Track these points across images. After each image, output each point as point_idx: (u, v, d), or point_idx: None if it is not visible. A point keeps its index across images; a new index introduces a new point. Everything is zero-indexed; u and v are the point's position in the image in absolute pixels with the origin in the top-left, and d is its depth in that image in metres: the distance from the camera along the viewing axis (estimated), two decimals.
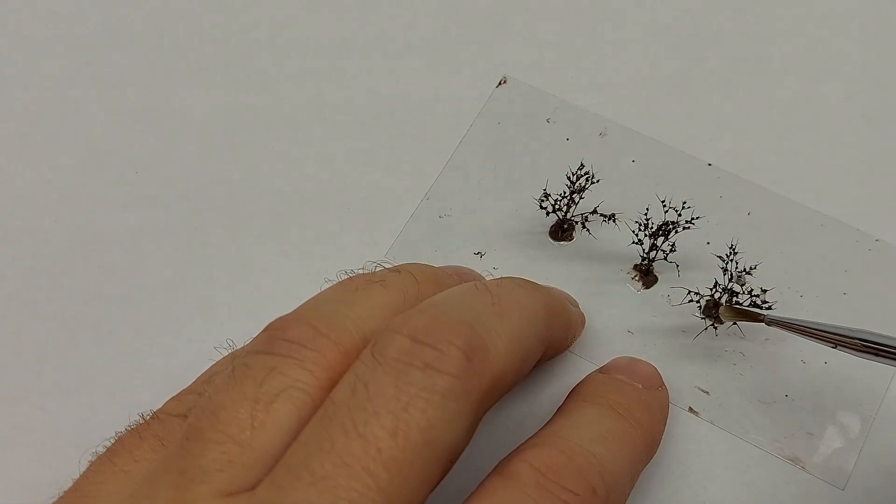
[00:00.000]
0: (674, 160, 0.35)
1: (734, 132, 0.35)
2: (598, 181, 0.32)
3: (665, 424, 0.28)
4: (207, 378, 0.27)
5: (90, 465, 0.24)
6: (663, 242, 0.31)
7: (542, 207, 0.32)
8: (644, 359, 0.30)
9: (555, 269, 0.33)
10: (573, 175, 0.32)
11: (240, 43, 0.39)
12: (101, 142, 0.37)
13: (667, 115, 0.36)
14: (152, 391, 0.32)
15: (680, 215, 0.32)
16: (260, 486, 0.20)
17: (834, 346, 0.26)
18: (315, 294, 0.25)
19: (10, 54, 0.39)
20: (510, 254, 0.33)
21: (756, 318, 0.29)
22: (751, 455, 0.30)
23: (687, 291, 0.31)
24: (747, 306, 0.29)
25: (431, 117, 0.37)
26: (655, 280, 0.32)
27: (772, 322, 0.28)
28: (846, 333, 0.26)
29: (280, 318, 0.23)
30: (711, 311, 0.31)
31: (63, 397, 0.32)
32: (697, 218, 0.32)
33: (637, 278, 0.32)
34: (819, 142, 0.35)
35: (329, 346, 0.22)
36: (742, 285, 0.30)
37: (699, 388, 0.31)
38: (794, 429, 0.30)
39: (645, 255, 0.32)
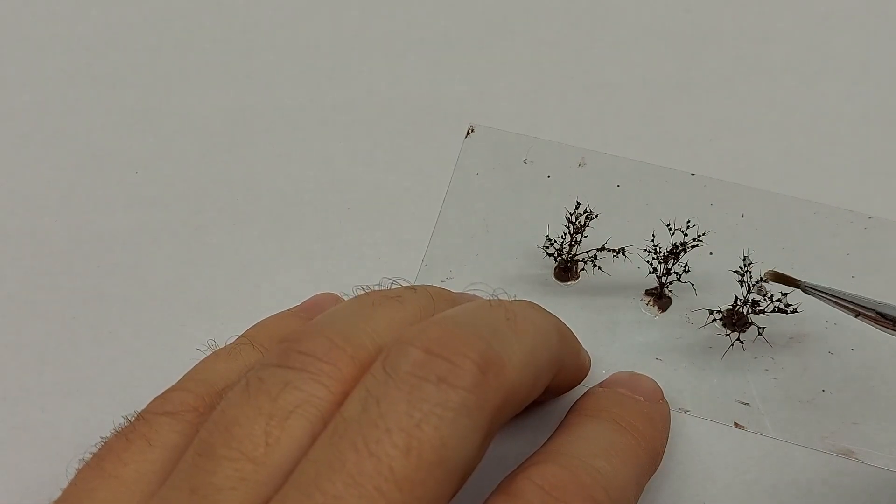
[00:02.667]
0: (657, 177, 0.35)
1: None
2: (596, 216, 0.32)
3: (668, 437, 0.28)
4: (194, 377, 0.26)
5: (78, 473, 0.24)
6: (674, 265, 0.31)
7: (548, 254, 0.32)
8: (680, 382, 0.30)
9: (566, 308, 0.32)
10: (571, 215, 0.32)
11: (240, 43, 0.39)
12: (101, 142, 0.37)
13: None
14: (152, 391, 0.32)
15: (686, 234, 0.31)
16: None
17: (856, 315, 0.27)
18: (330, 308, 0.25)
19: (10, 54, 0.39)
20: (523, 287, 0.33)
21: (794, 283, 0.29)
22: (751, 456, 0.30)
23: (709, 312, 0.31)
24: (770, 312, 0.30)
25: (431, 117, 0.37)
26: (670, 301, 0.32)
27: (807, 289, 0.28)
28: (867, 304, 0.27)
29: (295, 331, 0.23)
30: (735, 323, 0.31)
31: (63, 397, 0.32)
32: (704, 234, 0.31)
33: (651, 303, 0.32)
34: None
35: (345, 360, 0.22)
36: (764, 295, 0.30)
37: (739, 402, 0.30)
38: (839, 422, 0.30)
39: (661, 281, 0.32)
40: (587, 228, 0.32)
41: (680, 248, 0.31)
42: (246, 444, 0.20)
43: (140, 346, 0.33)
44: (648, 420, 0.27)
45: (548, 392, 0.26)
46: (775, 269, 0.30)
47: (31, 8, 0.40)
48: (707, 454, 0.30)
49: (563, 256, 0.32)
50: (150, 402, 0.25)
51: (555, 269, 0.33)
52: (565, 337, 0.26)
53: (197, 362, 0.27)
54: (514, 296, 0.31)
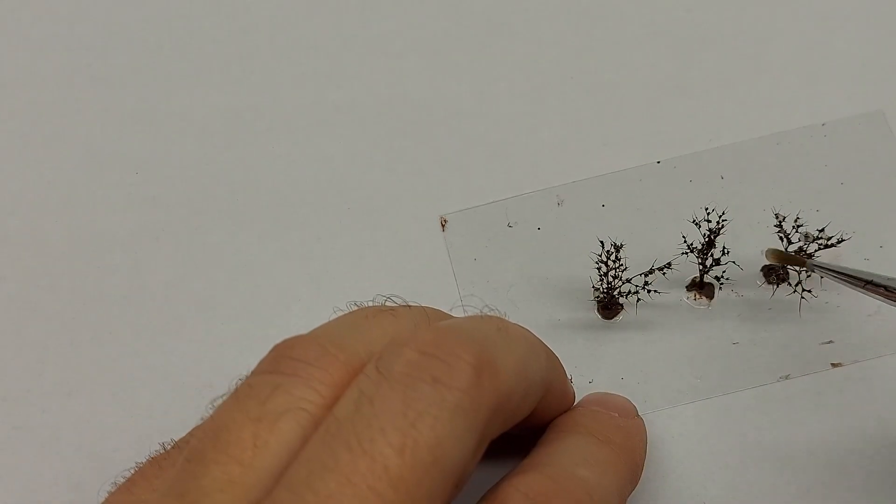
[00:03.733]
0: (632, 180, 0.35)
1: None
2: (623, 245, 0.31)
3: (645, 451, 0.28)
4: None
5: (108, 497, 0.24)
6: (711, 251, 0.31)
7: (599, 302, 0.32)
8: (766, 354, 0.31)
9: (617, 338, 0.32)
10: (600, 255, 0.31)
11: (240, 43, 0.39)
12: (101, 142, 0.37)
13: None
14: (152, 391, 0.32)
15: (709, 221, 0.31)
16: None
17: (863, 285, 0.28)
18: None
19: (10, 54, 0.39)
20: (565, 342, 0.32)
21: (799, 262, 0.30)
22: (751, 455, 0.30)
23: (766, 280, 0.32)
24: (817, 251, 0.30)
25: (431, 118, 0.37)
26: (713, 287, 0.32)
27: (813, 267, 0.29)
28: (873, 279, 0.28)
29: (287, 339, 0.23)
30: (779, 277, 0.32)
31: (63, 398, 0.32)
32: (723, 214, 0.31)
33: (697, 297, 0.32)
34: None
35: (336, 365, 0.22)
36: (813, 238, 0.30)
37: (823, 343, 0.31)
38: None
39: (701, 271, 0.32)
40: (621, 259, 0.31)
41: (713, 234, 0.31)
42: (234, 447, 0.20)
43: (140, 346, 0.33)
44: (625, 434, 0.27)
45: (535, 416, 0.26)
46: (775, 249, 0.30)
47: (31, 8, 0.40)
48: (707, 454, 0.30)
49: (612, 294, 0.32)
50: (188, 433, 0.26)
51: (598, 309, 0.32)
52: (553, 358, 0.27)
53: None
54: (563, 347, 0.31)
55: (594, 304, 0.32)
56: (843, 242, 0.31)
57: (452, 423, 0.20)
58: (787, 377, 0.31)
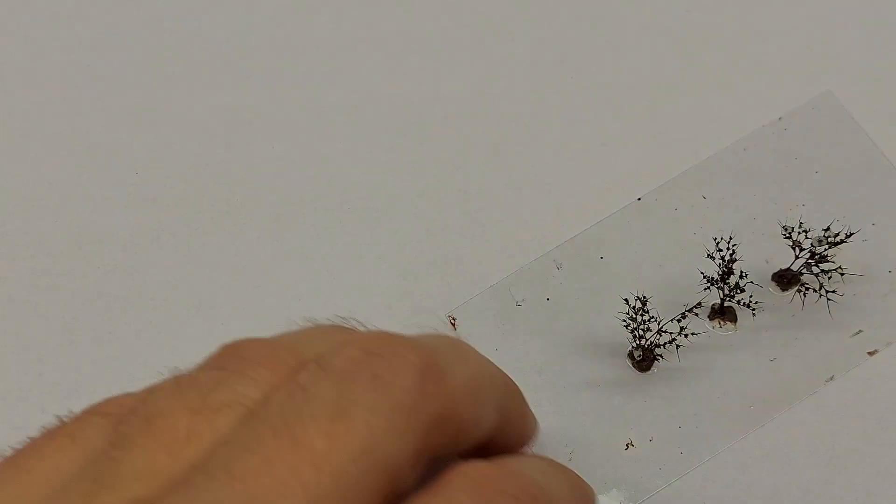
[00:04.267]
0: (620, 224, 0.34)
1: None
2: (650, 297, 0.31)
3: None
4: (150, 388, 0.24)
5: None
6: (729, 278, 0.31)
7: (638, 361, 0.31)
8: (806, 361, 0.31)
9: (661, 389, 0.31)
10: (628, 313, 0.31)
11: (240, 43, 0.39)
12: (101, 142, 0.37)
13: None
14: None
15: (720, 249, 0.31)
16: (170, 491, 0.18)
17: None
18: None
19: (10, 54, 0.39)
20: (605, 405, 0.31)
21: None
22: (751, 455, 0.30)
23: (798, 291, 0.32)
24: (829, 250, 0.30)
25: (431, 117, 0.37)
26: (734, 311, 0.32)
27: None
28: None
29: (238, 339, 0.22)
30: (789, 281, 0.32)
31: (63, 397, 0.32)
32: (732, 239, 0.31)
33: (722, 324, 0.32)
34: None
35: (282, 367, 0.21)
36: (825, 240, 0.30)
37: (853, 335, 0.31)
38: None
39: (722, 299, 0.31)
40: (649, 311, 0.31)
41: (728, 262, 0.31)
42: (165, 436, 0.19)
43: (140, 346, 0.33)
44: (574, 480, 0.25)
45: (494, 449, 0.25)
46: None
47: (31, 8, 0.40)
48: (707, 454, 0.30)
49: (652, 350, 0.31)
50: (89, 405, 0.23)
51: (633, 364, 0.32)
52: (510, 384, 0.26)
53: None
54: (596, 400, 0.31)
55: (627, 361, 0.32)
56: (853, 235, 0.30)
57: (389, 417, 0.19)
58: (832, 378, 0.31)
